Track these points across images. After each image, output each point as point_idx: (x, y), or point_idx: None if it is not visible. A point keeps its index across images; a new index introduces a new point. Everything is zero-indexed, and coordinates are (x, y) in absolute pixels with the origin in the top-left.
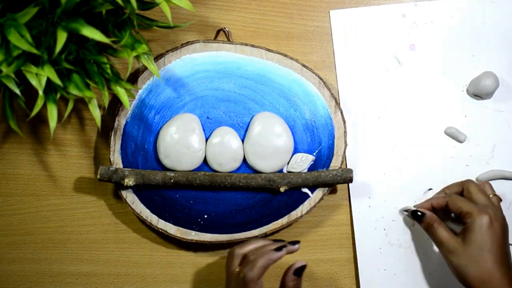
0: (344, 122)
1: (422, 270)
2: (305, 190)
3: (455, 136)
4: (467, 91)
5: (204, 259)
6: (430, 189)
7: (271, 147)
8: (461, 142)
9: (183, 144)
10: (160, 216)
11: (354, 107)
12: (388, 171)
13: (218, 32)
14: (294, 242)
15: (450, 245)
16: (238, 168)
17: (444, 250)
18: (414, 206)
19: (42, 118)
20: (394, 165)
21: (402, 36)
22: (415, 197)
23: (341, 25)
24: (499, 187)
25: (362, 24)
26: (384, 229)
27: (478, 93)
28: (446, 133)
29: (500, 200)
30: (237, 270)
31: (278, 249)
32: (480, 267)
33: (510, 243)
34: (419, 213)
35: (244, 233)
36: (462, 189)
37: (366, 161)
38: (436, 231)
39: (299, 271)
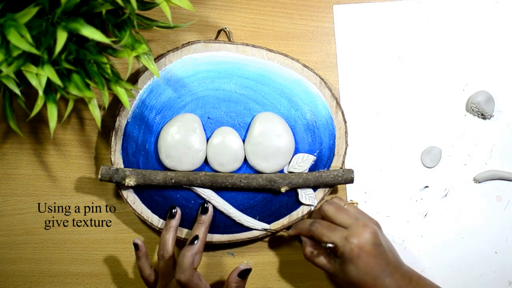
0: (345, 122)
1: (414, 266)
2: (304, 200)
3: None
4: (471, 109)
5: (204, 259)
6: (427, 186)
7: (272, 147)
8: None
9: (184, 144)
10: (161, 216)
11: (353, 102)
12: (385, 167)
13: (219, 32)
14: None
15: (331, 271)
16: (239, 168)
17: (328, 275)
18: (292, 227)
19: (42, 118)
20: (392, 162)
21: (404, 33)
22: (411, 194)
23: (343, 20)
24: (497, 187)
25: (364, 20)
26: None
27: (480, 111)
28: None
29: (356, 203)
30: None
31: (192, 242)
32: None
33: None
34: (298, 241)
35: (244, 233)
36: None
37: (363, 156)
38: (314, 260)
39: (244, 274)
